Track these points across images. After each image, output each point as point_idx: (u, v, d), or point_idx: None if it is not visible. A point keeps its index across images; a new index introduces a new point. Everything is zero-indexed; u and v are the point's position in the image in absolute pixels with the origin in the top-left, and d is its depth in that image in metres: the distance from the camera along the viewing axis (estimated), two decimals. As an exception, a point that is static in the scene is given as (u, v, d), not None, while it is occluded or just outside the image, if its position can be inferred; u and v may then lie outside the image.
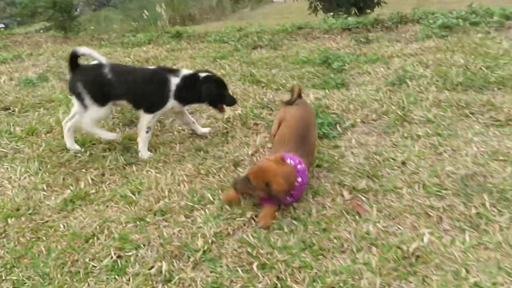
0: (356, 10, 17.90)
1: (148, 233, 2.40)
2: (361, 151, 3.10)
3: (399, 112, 3.56)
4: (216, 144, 3.39)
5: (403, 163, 2.90)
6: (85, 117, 3.21)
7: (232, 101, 3.41)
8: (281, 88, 4.38)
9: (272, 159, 2.43)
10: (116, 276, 2.14)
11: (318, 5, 18.95)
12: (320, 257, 2.15)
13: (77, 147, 3.40)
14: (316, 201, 2.57)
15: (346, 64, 4.82)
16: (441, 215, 2.39)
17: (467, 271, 1.99)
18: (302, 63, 5.06)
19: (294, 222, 2.39)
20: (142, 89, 3.23)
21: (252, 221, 2.44)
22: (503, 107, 3.46)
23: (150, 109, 3.26)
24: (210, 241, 2.29)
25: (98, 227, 2.47)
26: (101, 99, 3.18)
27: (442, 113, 3.50)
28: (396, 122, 3.45)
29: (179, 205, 2.62)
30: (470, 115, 3.47)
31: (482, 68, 4.32)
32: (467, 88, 3.91)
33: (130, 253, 2.27)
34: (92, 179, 3.00)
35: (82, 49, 3.20)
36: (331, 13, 7.58)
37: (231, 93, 3.51)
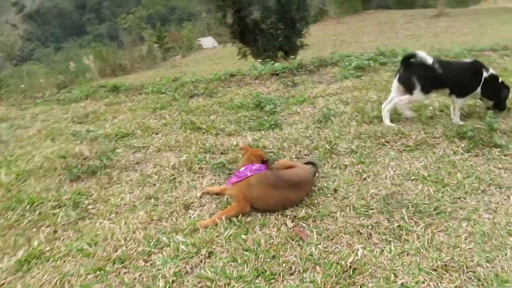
0: (283, 54, 19.24)
1: (110, 281, 2.52)
2: (298, 184, 3.47)
3: (327, 146, 4.02)
4: (165, 190, 3.59)
5: (335, 190, 3.31)
6: (406, 99, 4.29)
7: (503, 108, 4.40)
8: (220, 132, 4.72)
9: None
10: (83, 326, 2.24)
11: (246, 51, 20.03)
12: (272, 281, 2.42)
13: (392, 124, 4.34)
14: (263, 232, 2.86)
15: (277, 107, 5.29)
16: (370, 231, 2.78)
17: (395, 275, 2.37)
18: (237, 108, 5.46)
19: (246, 253, 2.65)
20: (463, 79, 4.22)
21: (208, 258, 2.67)
22: (411, 135, 4.06)
23: (463, 95, 4.25)
24: (170, 280, 2.47)
25: (58, 282, 2.55)
26: (428, 89, 4.20)
27: (363, 144, 4.01)
28: (326, 155, 3.90)
29: (136, 252, 2.77)
30: (385, 143, 4.02)
31: (392, 102, 4.99)
32: (381, 121, 4.52)
33: (94, 303, 2.38)
34: (45, 237, 3.06)
35: (420, 53, 4.12)
36: (259, 60, 8.17)
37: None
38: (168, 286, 2.43)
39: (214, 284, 2.41)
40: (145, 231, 2.99)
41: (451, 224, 2.77)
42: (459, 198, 3.05)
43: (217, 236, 2.81)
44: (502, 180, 3.21)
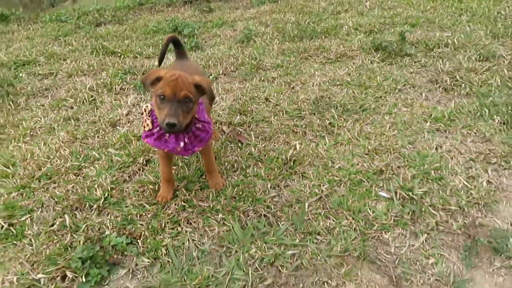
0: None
1: (38, 197, 2.30)
2: (229, 96, 3.43)
3: (253, 62, 3.99)
4: (86, 111, 3.30)
5: (266, 99, 3.34)
6: None
7: None
8: (138, 56, 4.41)
9: None
10: (14, 242, 2.03)
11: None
12: (217, 178, 2.41)
13: None
14: (201, 138, 2.80)
15: (195, 30, 5.07)
16: (304, 130, 2.88)
17: (332, 162, 2.51)
18: (153, 33, 5.12)
19: (186, 157, 2.59)
20: None
21: (146, 166, 2.56)
22: (331, 49, 4.20)
23: None
24: (109, 188, 2.33)
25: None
26: None
27: (288, 59, 4.07)
28: (252, 70, 3.88)
29: (64, 167, 2.55)
30: (309, 57, 4.11)
31: (310, 23, 5.08)
32: (301, 39, 4.59)
33: (23, 218, 2.16)
34: None
35: None
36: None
37: None
38: (106, 193, 2.30)
39: (156, 186, 2.33)
40: (71, 148, 2.75)
41: (375, 118, 2.98)
42: (380, 97, 3.28)
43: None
44: (414, 81, 3.51)
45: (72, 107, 3.41)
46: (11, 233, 2.08)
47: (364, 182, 2.33)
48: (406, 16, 5.07)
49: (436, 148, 2.59)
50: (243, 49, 4.41)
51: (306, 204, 2.19)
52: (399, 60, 3.93)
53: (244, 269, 1.83)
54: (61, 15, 6.04)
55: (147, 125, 2.06)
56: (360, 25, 4.89)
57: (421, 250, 1.91)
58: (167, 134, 2.01)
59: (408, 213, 2.10)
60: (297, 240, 1.98)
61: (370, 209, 2.14)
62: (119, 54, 4.42)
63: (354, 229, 2.03)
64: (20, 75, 4.02)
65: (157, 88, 1.82)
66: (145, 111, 2.07)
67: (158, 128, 2.03)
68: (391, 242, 1.96)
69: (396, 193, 2.23)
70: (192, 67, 2.52)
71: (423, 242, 1.95)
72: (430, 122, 2.86)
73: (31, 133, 3.03)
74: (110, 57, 4.38)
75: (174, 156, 2.35)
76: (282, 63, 3.98)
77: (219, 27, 5.23)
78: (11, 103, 3.50)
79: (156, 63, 4.05)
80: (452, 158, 2.49)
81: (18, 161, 2.62)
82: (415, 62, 3.88)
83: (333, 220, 2.09)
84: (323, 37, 4.64)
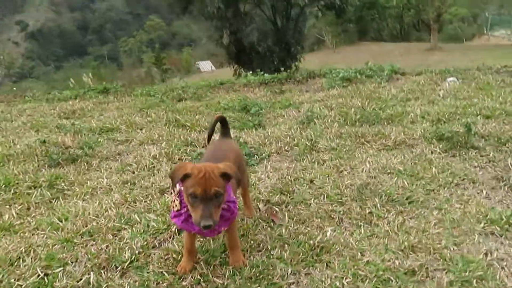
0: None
1: (76, 252, 2.49)
2: (275, 174, 3.49)
3: (307, 143, 4.06)
4: (143, 177, 3.59)
5: (311, 181, 3.33)
6: None
7: None
8: (204, 130, 4.75)
9: None
10: (43, 292, 2.20)
11: (241, 72, 20.49)
12: (239, 255, 2.41)
13: None
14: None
15: (262, 109, 5.36)
16: (342, 216, 2.79)
17: (362, 254, 2.36)
18: (223, 110, 5.52)
19: (216, 231, 2.64)
20: None
21: (177, 235, 2.66)
22: (391, 135, 4.12)
23: None
24: (137, 252, 2.45)
25: (24, 251, 2.51)
26: None
27: (343, 142, 4.06)
28: (305, 151, 3.93)
29: (106, 227, 2.75)
30: (365, 142, 4.07)
31: (375, 108, 5.08)
32: (363, 124, 4.58)
33: (57, 270, 2.34)
34: (16, 213, 3.02)
35: None
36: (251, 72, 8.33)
37: None
38: (134, 257, 2.41)
39: (179, 256, 2.39)
40: (118, 210, 2.98)
41: (422, 212, 2.78)
42: (433, 190, 3.08)
43: (188, 215, 2.80)
44: (476, 176, 3.25)
45: (134, 172, 3.73)
46: (43, 283, 2.26)
47: (392, 281, 2.14)
48: (481, 106, 4.82)
49: (486, 254, 2.31)
50: (302, 130, 4.52)
51: (323, 297, 2.07)
52: (464, 153, 3.70)
53: None
54: (151, 90, 6.83)
55: (176, 205, 2.18)
56: (428, 113, 4.77)
57: None
58: None
59: (436, 324, 1.87)
60: (304, 335, 1.86)
61: (393, 312, 1.94)
62: (187, 127, 4.81)
63: (370, 333, 1.85)
64: (101, 140, 4.55)
65: (188, 186, 1.96)
66: (174, 190, 2.21)
67: (185, 208, 2.13)
68: None
69: (425, 298, 2.01)
70: (230, 148, 2.66)
71: None
72: (484, 223, 2.59)
73: (92, 192, 3.36)
74: (180, 129, 4.78)
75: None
76: (337, 146, 3.98)
77: (285, 108, 5.47)
78: (85, 163, 3.95)
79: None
80: (503, 268, 2.20)
81: (71, 216, 2.90)
82: (481, 156, 3.62)
83: (348, 319, 1.93)
84: (385, 123, 4.59)
